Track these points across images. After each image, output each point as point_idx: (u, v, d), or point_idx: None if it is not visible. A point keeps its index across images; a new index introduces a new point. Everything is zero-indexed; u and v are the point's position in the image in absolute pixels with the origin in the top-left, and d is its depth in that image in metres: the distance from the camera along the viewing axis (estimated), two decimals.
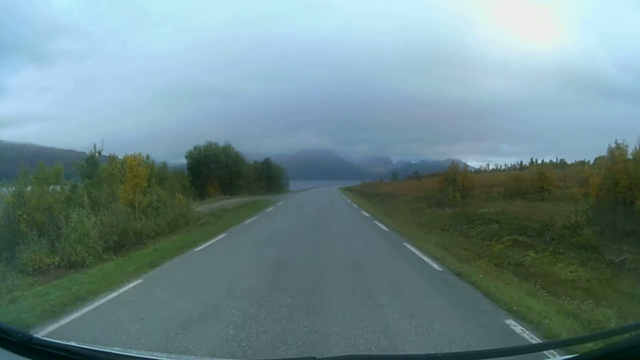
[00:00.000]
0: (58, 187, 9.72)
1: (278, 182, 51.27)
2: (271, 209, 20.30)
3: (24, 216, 7.49)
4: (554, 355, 1.19)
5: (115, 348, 1.46)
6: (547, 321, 3.60)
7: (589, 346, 1.10)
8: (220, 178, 35.13)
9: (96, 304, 4.60)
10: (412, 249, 7.97)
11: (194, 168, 34.33)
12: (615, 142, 9.77)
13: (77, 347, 1.26)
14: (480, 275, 5.58)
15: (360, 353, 2.88)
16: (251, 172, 41.95)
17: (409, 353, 2.84)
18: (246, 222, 13.89)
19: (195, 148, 36.64)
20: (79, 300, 4.69)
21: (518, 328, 3.52)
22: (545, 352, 1.24)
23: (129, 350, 1.53)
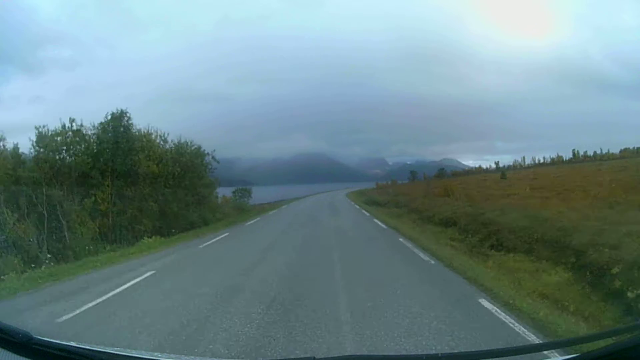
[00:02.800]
0: None
1: (192, 188, 17.27)
2: None
3: None
4: (554, 355, 1.19)
5: (115, 348, 1.47)
6: None
7: (589, 346, 1.10)
8: None
9: None
10: None
11: None
12: None
13: (77, 347, 1.27)
14: None
15: (360, 353, 2.88)
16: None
17: (409, 354, 2.84)
18: None
19: None
20: None
21: None
22: (545, 352, 1.24)
23: (128, 350, 1.53)
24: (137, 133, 14.97)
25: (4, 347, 1.20)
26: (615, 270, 5.28)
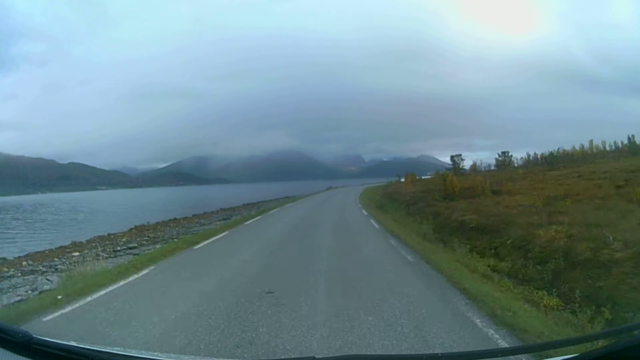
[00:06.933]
0: None
1: None
2: None
3: None
4: (554, 355, 1.25)
5: (116, 348, 1.45)
6: None
7: (589, 346, 1.16)
8: None
9: None
10: None
11: None
12: None
13: (77, 347, 1.27)
14: None
15: (360, 353, 2.91)
16: None
17: (409, 353, 2.90)
18: None
19: None
20: None
21: None
22: (544, 352, 1.30)
23: (129, 350, 1.51)
24: None
25: (4, 347, 1.19)
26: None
